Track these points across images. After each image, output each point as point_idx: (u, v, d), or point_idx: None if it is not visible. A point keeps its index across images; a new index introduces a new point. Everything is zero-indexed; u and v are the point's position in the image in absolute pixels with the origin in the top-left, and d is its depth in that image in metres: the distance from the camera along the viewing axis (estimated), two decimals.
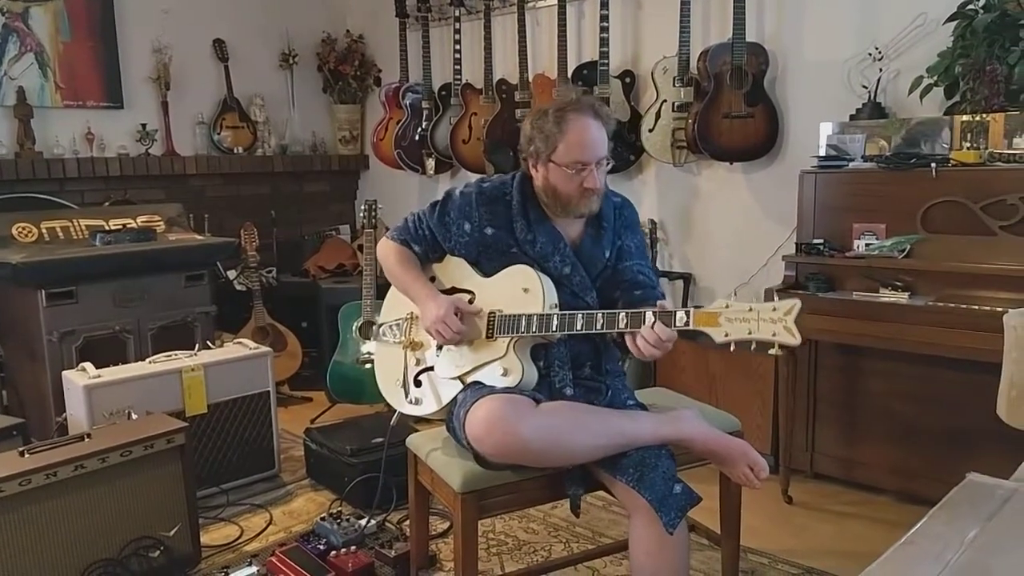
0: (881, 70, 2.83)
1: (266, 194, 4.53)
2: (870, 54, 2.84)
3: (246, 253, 3.87)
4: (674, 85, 3.22)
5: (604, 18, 3.37)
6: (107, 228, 3.31)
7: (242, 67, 4.35)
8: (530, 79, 3.74)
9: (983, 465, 1.56)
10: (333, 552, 2.28)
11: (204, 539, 2.43)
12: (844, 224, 2.70)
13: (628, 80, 3.49)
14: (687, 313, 1.66)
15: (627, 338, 1.73)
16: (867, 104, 2.83)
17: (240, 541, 2.52)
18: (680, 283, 3.50)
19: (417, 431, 2.17)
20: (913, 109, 2.77)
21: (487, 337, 1.89)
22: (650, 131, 3.32)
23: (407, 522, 2.38)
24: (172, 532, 2.26)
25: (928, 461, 2.59)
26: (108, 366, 2.71)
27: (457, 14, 3.96)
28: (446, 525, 2.52)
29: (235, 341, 3.13)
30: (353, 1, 4.76)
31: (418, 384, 2.03)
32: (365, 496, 2.60)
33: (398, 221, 2.14)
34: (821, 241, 2.69)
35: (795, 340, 1.56)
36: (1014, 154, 2.41)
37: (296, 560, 2.22)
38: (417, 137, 4.17)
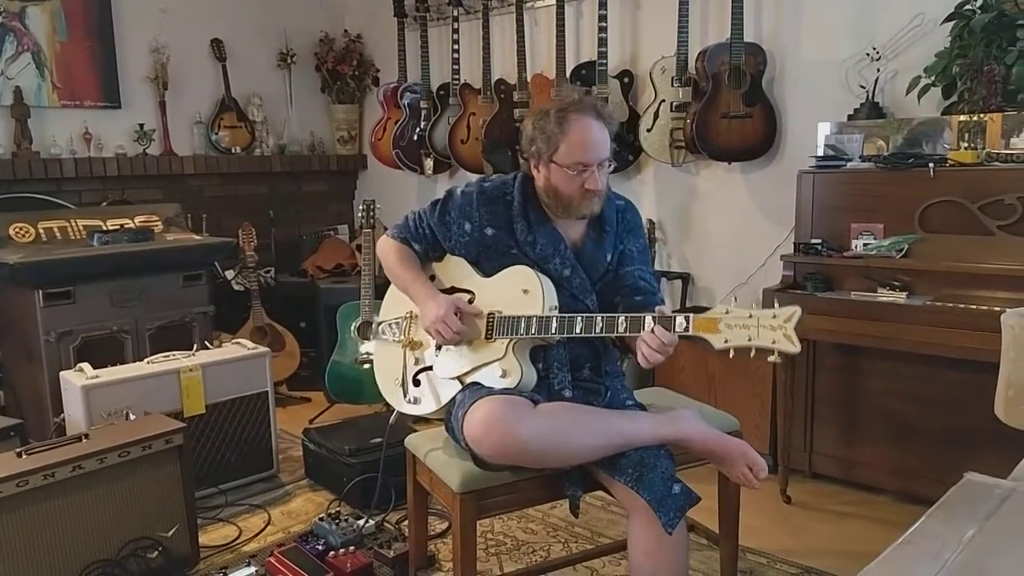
0: (879, 70, 2.84)
1: (264, 194, 4.52)
2: (868, 54, 2.85)
3: (244, 253, 3.86)
4: (672, 85, 3.22)
5: (602, 18, 3.37)
6: (105, 228, 3.31)
7: (240, 67, 4.34)
8: (528, 79, 3.74)
9: (981, 465, 1.57)
10: (332, 552, 2.27)
11: (202, 539, 2.43)
12: (842, 224, 2.70)
13: (626, 80, 3.49)
14: (687, 318, 1.66)
15: (633, 346, 1.73)
16: (865, 104, 2.83)
17: (238, 541, 2.51)
18: (678, 283, 3.50)
19: (416, 431, 2.17)
20: (911, 109, 2.77)
21: (486, 338, 1.88)
22: (648, 131, 3.32)
23: (406, 522, 2.38)
24: (170, 533, 2.26)
25: (926, 461, 2.59)
26: (106, 366, 2.71)
27: (455, 14, 3.96)
28: (445, 525, 2.52)
29: (233, 341, 3.13)
30: (351, 1, 4.76)
31: (417, 383, 2.03)
32: (364, 496, 2.60)
33: (398, 219, 2.13)
34: (819, 241, 2.69)
35: (795, 348, 1.56)
36: (1011, 154, 2.41)
37: (294, 560, 2.21)
38: (415, 137, 4.17)
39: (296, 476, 3.00)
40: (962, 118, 2.55)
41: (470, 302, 1.94)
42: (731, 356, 1.63)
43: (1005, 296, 2.27)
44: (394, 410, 2.12)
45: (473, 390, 1.86)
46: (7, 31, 3.62)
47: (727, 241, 3.40)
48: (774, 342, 1.57)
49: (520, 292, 1.86)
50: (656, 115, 3.29)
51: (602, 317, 1.75)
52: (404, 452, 2.11)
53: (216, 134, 4.28)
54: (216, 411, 2.79)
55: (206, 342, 3.14)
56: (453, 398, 1.91)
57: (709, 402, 2.51)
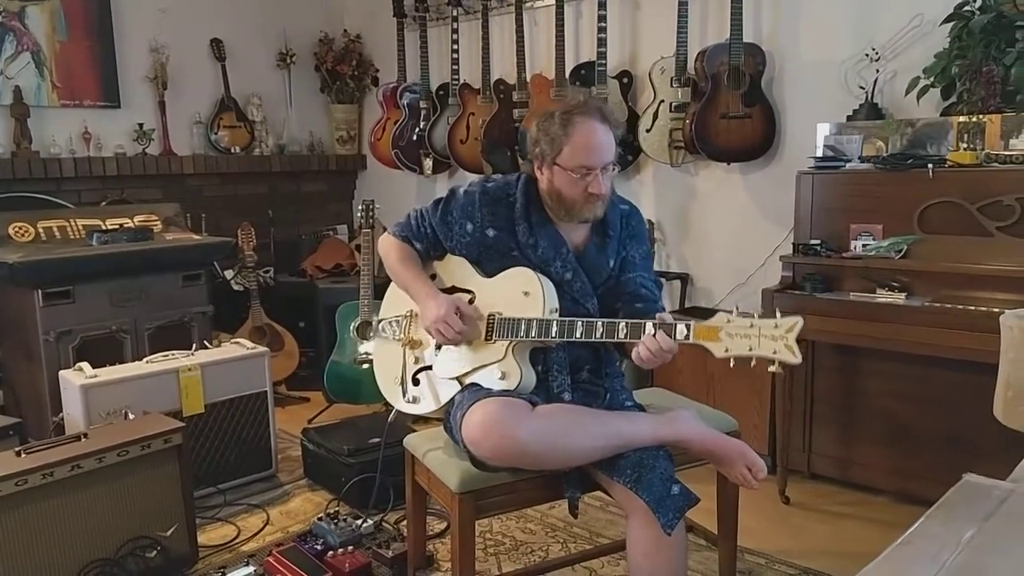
0: (878, 71, 2.84)
1: (263, 194, 4.52)
2: (867, 55, 2.85)
3: (243, 253, 3.86)
4: (672, 85, 3.22)
5: (602, 18, 3.37)
6: (104, 228, 3.31)
7: (239, 67, 4.34)
8: (528, 79, 3.74)
9: (980, 466, 1.57)
10: (330, 552, 2.27)
11: (201, 539, 2.43)
12: (841, 225, 2.70)
13: (626, 80, 3.49)
14: (687, 326, 1.66)
15: (631, 350, 1.73)
16: (864, 105, 2.83)
17: (237, 541, 2.51)
18: (677, 283, 3.50)
19: (415, 431, 2.17)
20: (910, 110, 2.77)
21: (486, 339, 1.88)
22: (648, 131, 3.32)
23: (404, 522, 2.37)
24: (169, 532, 2.25)
25: (925, 462, 2.59)
26: (105, 366, 2.71)
27: (455, 14, 3.96)
28: (443, 525, 2.52)
29: (232, 341, 3.13)
30: (351, 1, 4.76)
31: (416, 383, 2.02)
32: (362, 496, 2.60)
33: (399, 218, 2.13)
34: (818, 242, 2.69)
35: (796, 359, 1.56)
36: (1010, 155, 2.41)
37: (293, 560, 2.21)
38: (415, 137, 4.17)
39: (295, 476, 3.00)
40: (961, 119, 2.55)
41: (470, 302, 1.93)
42: (731, 365, 1.62)
43: (1004, 297, 2.28)
44: (393, 410, 2.11)
45: (472, 391, 1.85)
46: (7, 31, 3.61)
47: (726, 241, 3.40)
48: (775, 352, 1.57)
49: (521, 294, 1.86)
50: (655, 115, 3.29)
51: (602, 322, 1.75)
52: (403, 452, 2.11)
53: (215, 134, 4.28)
54: (215, 411, 2.79)
55: (205, 342, 3.14)
56: (452, 398, 1.91)
57: (708, 403, 2.51)
